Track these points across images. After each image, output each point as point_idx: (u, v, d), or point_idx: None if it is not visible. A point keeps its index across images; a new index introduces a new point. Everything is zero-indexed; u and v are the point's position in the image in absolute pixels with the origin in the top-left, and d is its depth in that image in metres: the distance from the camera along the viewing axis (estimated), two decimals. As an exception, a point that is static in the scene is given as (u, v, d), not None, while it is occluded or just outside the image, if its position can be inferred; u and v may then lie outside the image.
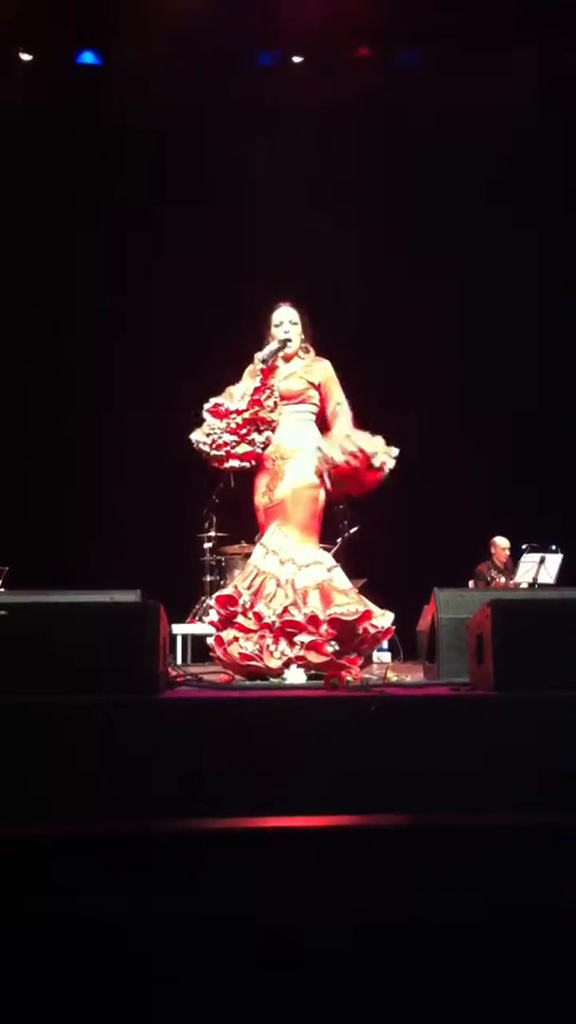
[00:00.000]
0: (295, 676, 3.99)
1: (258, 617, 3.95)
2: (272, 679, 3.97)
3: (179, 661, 6.75)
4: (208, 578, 7.22)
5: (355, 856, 2.26)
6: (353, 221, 8.00)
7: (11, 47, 7.70)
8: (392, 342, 8.16)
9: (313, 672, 3.96)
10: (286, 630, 3.91)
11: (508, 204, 7.94)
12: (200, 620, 6.86)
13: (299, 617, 3.88)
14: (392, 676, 3.99)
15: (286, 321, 4.34)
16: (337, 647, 3.91)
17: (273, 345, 4.27)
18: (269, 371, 4.21)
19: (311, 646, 3.87)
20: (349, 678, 3.79)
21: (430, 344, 8.06)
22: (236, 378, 4.36)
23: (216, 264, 8.01)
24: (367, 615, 3.94)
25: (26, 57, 7.80)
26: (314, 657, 3.88)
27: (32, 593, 4.35)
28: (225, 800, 2.54)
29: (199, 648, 6.54)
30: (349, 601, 3.95)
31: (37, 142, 7.93)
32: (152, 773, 2.65)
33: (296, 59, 8.00)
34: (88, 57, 7.87)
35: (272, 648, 3.92)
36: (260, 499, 4.29)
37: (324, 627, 3.89)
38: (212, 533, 7.26)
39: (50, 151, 7.98)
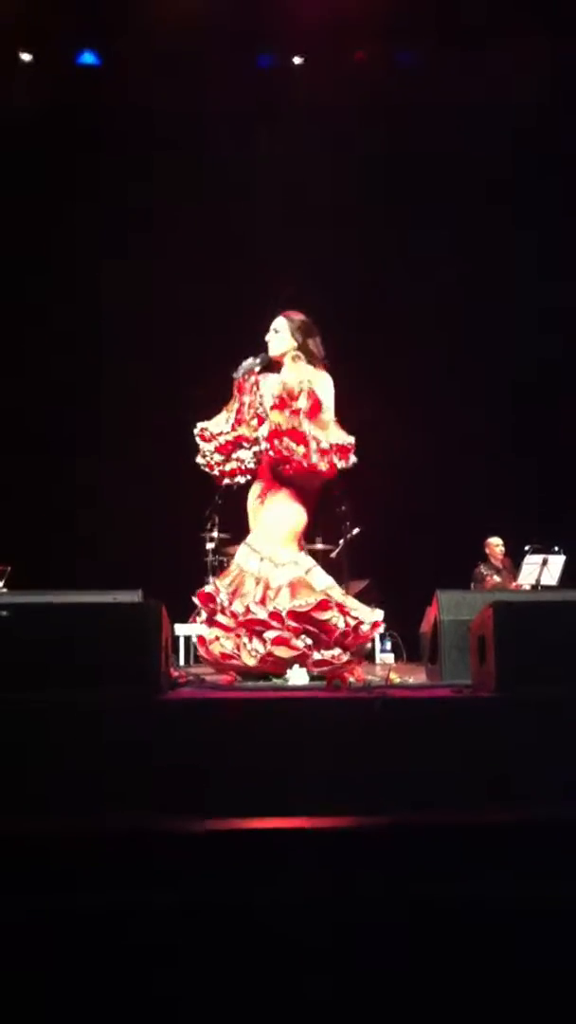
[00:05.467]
0: (297, 677, 3.99)
1: (234, 615, 4.02)
2: (274, 679, 3.98)
3: (181, 662, 6.74)
4: (211, 578, 7.21)
5: (357, 856, 2.26)
6: (353, 221, 8.00)
7: (11, 47, 7.70)
8: (392, 343, 8.15)
9: (316, 673, 3.97)
10: (254, 628, 3.96)
11: (508, 204, 7.94)
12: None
13: (262, 614, 3.93)
14: (395, 677, 4.00)
15: (272, 328, 4.40)
16: (309, 641, 3.93)
17: (247, 362, 4.36)
18: (240, 387, 4.34)
19: (277, 641, 3.90)
20: (352, 679, 3.79)
21: (430, 345, 8.06)
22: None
23: (217, 264, 8.01)
24: (323, 604, 3.94)
25: (26, 57, 7.80)
26: (283, 652, 3.90)
27: (34, 593, 4.36)
28: (227, 800, 2.54)
29: (201, 649, 6.53)
30: (310, 594, 3.98)
31: (37, 141, 7.93)
32: (154, 773, 2.65)
33: (296, 60, 8.00)
34: (88, 57, 7.87)
35: (248, 645, 3.97)
36: (252, 503, 4.41)
37: (287, 622, 3.92)
38: (215, 533, 7.25)
39: (50, 151, 7.98)
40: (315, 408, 4.13)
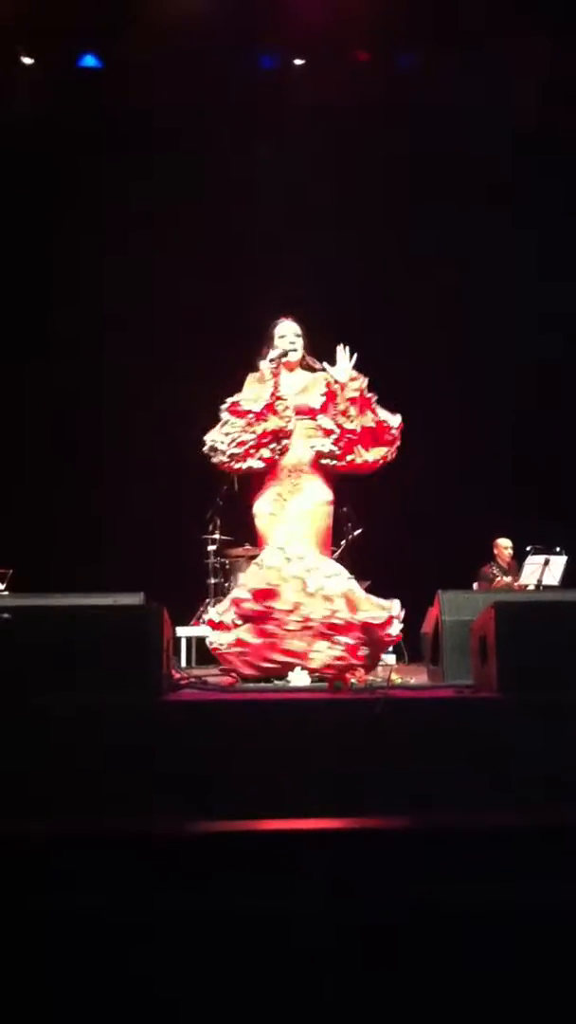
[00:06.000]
0: (299, 678, 3.99)
1: (306, 619, 3.99)
2: (276, 681, 3.98)
3: (182, 664, 6.74)
4: (212, 581, 7.22)
5: (359, 858, 2.26)
6: (353, 222, 8.01)
7: (13, 50, 7.71)
8: (392, 343, 8.15)
9: (317, 675, 3.97)
10: (325, 631, 3.98)
11: (508, 205, 7.94)
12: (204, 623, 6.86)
13: (339, 621, 3.97)
14: (396, 678, 3.99)
15: (290, 334, 4.40)
16: (367, 651, 4.06)
17: (275, 352, 4.29)
18: (277, 375, 4.23)
19: (351, 648, 3.99)
20: (353, 680, 3.79)
21: (431, 345, 8.06)
22: (240, 382, 4.37)
23: (218, 265, 8.02)
24: (389, 621, 4.06)
25: (27, 60, 7.81)
26: (350, 659, 3.98)
27: (36, 596, 4.36)
28: (228, 802, 2.54)
29: (203, 651, 6.53)
30: (373, 607, 4.05)
31: (38, 145, 7.95)
32: (155, 776, 2.65)
33: (297, 61, 8.01)
34: (89, 60, 7.88)
35: (312, 649, 3.98)
36: (268, 506, 4.30)
37: (356, 632, 4.00)
38: (216, 536, 7.26)
39: (51, 154, 7.99)
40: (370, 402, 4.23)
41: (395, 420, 4.26)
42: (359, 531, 6.39)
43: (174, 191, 7.98)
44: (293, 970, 2.03)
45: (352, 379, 4.19)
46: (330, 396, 4.20)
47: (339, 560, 6.45)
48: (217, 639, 4.14)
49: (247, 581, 4.22)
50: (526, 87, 7.51)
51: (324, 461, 4.25)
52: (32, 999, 2.00)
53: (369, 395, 4.23)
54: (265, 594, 4.06)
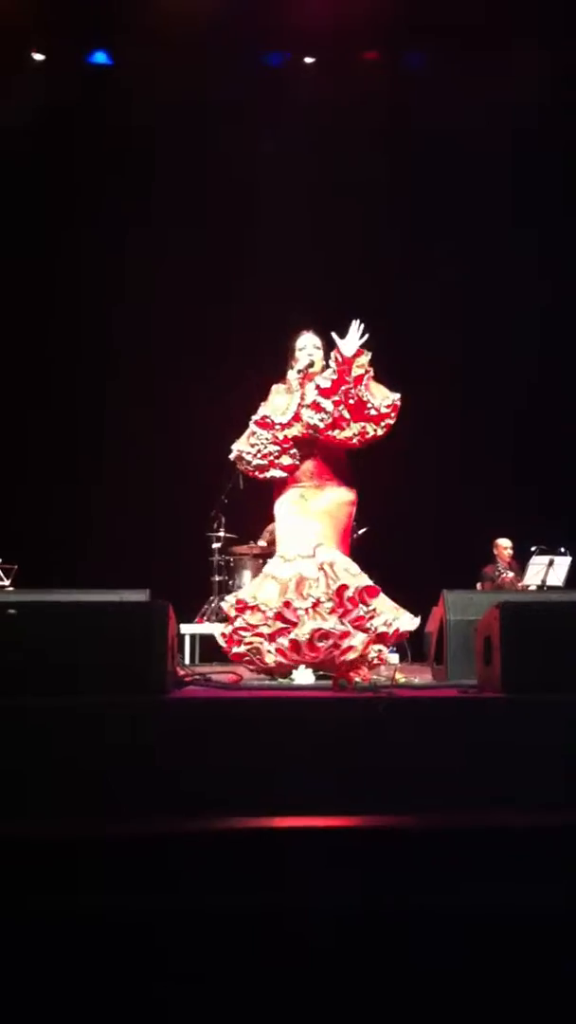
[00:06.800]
0: (303, 677, 3.99)
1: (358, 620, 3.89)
2: (280, 679, 3.98)
3: (187, 661, 6.76)
4: (217, 578, 7.23)
5: (362, 856, 2.27)
6: (358, 221, 8.01)
7: (24, 47, 7.73)
8: (395, 343, 8.14)
9: (321, 672, 3.97)
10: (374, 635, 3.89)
11: (511, 203, 7.94)
12: (209, 620, 6.87)
13: (387, 629, 3.88)
14: (400, 677, 4.00)
15: (310, 345, 4.43)
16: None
17: (301, 363, 4.35)
18: (303, 383, 4.29)
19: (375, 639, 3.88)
20: (358, 679, 3.79)
21: (434, 344, 8.06)
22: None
23: (223, 263, 8.02)
24: (397, 634, 3.97)
25: (38, 57, 7.83)
26: (372, 651, 3.85)
27: (42, 592, 4.37)
28: (233, 800, 2.55)
29: (207, 648, 6.55)
30: (386, 607, 3.96)
31: (49, 140, 7.96)
32: (160, 773, 2.66)
33: (306, 60, 8.02)
34: (100, 57, 7.90)
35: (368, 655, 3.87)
36: (290, 507, 4.26)
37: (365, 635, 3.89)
38: (221, 533, 7.28)
39: (60, 150, 8.00)
40: (364, 378, 4.21)
41: (384, 401, 4.23)
42: (364, 529, 6.39)
43: (175, 190, 7.99)
44: (294, 968, 2.04)
45: (357, 354, 4.20)
46: (341, 376, 4.19)
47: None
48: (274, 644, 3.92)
49: (290, 583, 4.03)
50: (531, 86, 7.50)
51: (307, 431, 4.26)
52: (32, 999, 2.00)
53: (367, 369, 4.22)
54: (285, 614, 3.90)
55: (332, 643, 3.73)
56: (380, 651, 3.89)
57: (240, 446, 4.29)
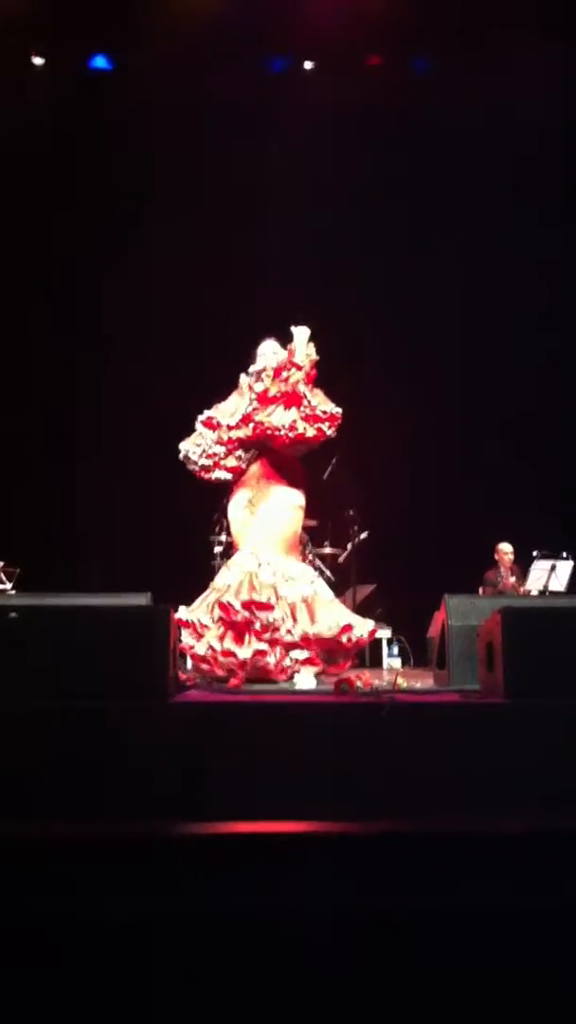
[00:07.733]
0: (305, 681, 3.99)
1: (265, 629, 4.06)
2: (281, 683, 3.99)
3: (188, 665, 6.74)
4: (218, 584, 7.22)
5: (363, 861, 2.26)
6: (363, 226, 8.01)
7: (25, 51, 7.75)
8: (398, 346, 8.15)
9: (320, 669, 4.03)
10: (284, 644, 4.08)
11: (512, 205, 7.94)
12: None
13: (294, 637, 4.04)
14: (402, 682, 4.00)
15: (268, 352, 4.53)
16: (327, 658, 4.15)
17: (257, 365, 4.46)
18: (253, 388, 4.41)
19: (307, 662, 4.08)
20: (359, 684, 3.79)
21: (435, 348, 8.05)
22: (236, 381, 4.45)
23: (223, 265, 8.02)
24: (347, 628, 4.11)
25: (38, 61, 7.85)
26: (309, 669, 4.09)
27: (44, 596, 4.37)
28: (235, 804, 2.55)
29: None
30: (329, 616, 4.10)
31: (49, 144, 7.97)
32: (162, 776, 2.66)
33: (308, 64, 8.02)
34: (100, 61, 7.91)
35: (282, 663, 4.09)
36: (239, 511, 4.41)
37: (315, 646, 4.08)
38: (223, 537, 7.27)
39: (60, 152, 8.02)
40: (311, 378, 4.31)
41: (323, 404, 4.30)
42: (365, 534, 6.38)
43: (177, 190, 7.99)
44: (294, 970, 2.04)
45: (297, 365, 4.28)
46: (288, 362, 4.31)
47: (345, 563, 6.48)
48: (188, 640, 4.25)
49: (227, 583, 4.24)
50: (536, 88, 7.51)
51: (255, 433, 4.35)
52: (32, 999, 2.00)
53: (311, 373, 4.32)
54: (259, 606, 4.09)
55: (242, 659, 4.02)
56: (295, 659, 4.06)
57: (186, 446, 4.43)
